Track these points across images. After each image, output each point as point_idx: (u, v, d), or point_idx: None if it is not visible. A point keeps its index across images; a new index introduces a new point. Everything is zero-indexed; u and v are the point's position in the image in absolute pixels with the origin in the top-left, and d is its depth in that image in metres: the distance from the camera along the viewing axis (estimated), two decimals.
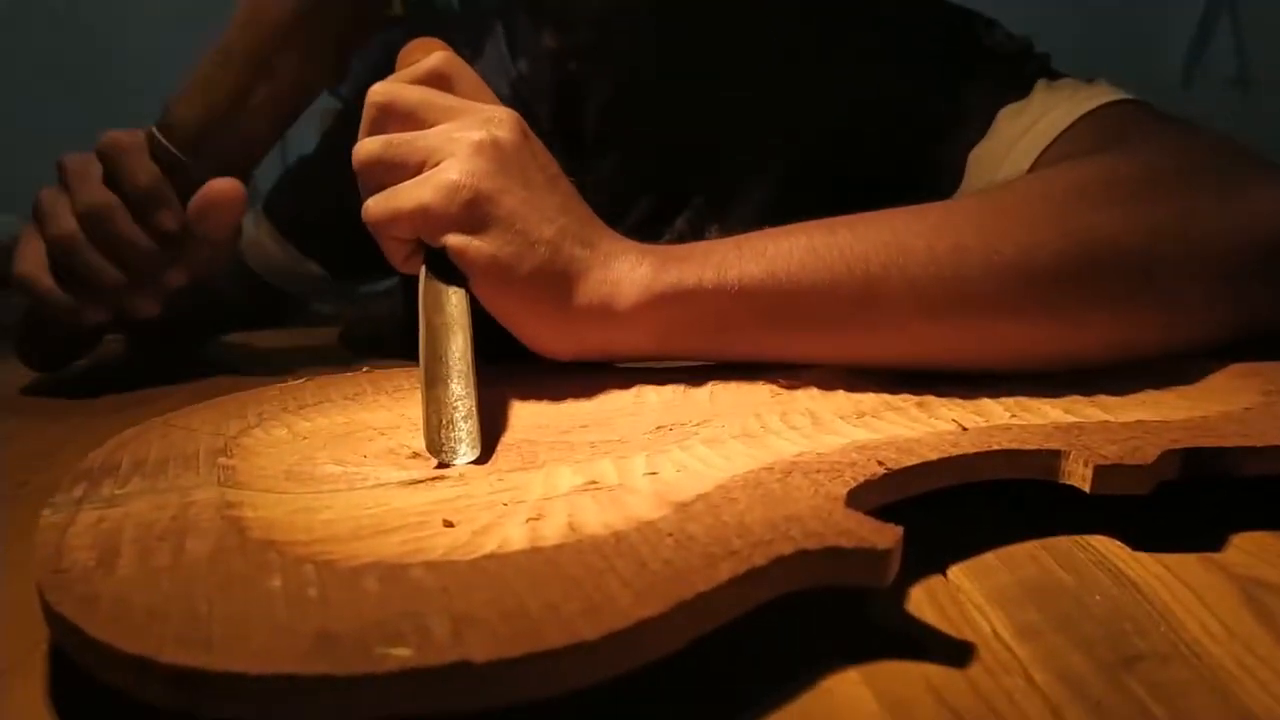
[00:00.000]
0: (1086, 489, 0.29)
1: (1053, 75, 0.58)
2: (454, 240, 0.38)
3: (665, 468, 0.29)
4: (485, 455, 0.32)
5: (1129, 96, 0.53)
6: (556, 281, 0.39)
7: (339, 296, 0.96)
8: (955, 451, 0.29)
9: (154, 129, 0.53)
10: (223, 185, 0.52)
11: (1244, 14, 2.15)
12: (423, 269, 0.39)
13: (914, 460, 0.29)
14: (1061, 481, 0.30)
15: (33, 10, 2.01)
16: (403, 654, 0.18)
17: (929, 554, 0.29)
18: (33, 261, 0.52)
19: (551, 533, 0.24)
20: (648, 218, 0.56)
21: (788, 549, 0.22)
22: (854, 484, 0.26)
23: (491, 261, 0.38)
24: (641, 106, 0.62)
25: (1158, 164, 0.43)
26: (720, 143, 0.62)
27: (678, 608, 0.20)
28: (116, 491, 0.28)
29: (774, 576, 0.22)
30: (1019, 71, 0.58)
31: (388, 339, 0.77)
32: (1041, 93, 0.55)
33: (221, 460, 0.31)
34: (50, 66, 2.03)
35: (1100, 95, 0.53)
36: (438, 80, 0.43)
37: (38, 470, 0.40)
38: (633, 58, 0.62)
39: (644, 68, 0.62)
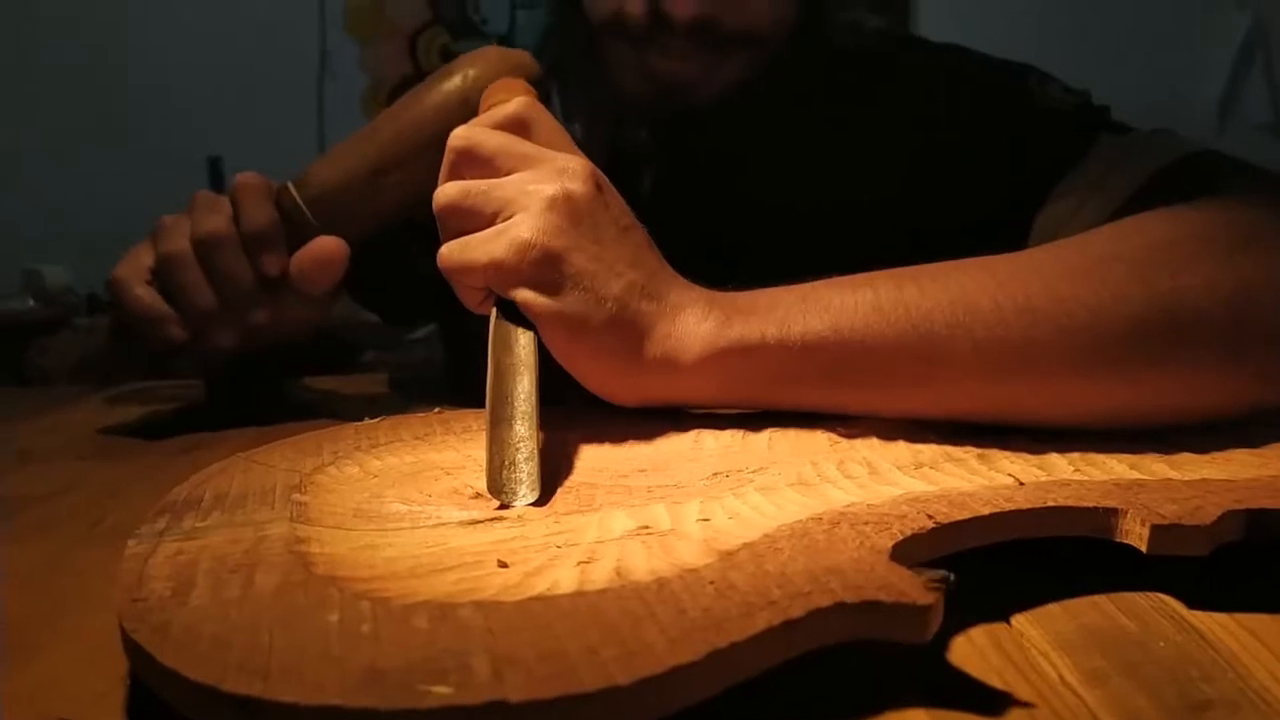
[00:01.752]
0: (1143, 549, 0.28)
1: (1116, 128, 0.56)
2: (523, 295, 0.39)
3: (718, 514, 0.30)
4: (544, 497, 0.33)
5: (1200, 149, 0.51)
6: (623, 336, 0.40)
7: (381, 345, 0.98)
8: (1009, 507, 0.29)
9: (289, 183, 0.56)
10: (329, 244, 0.54)
11: (1278, 59, 2.08)
12: (494, 311, 0.41)
13: (965, 515, 0.29)
14: (1118, 540, 0.29)
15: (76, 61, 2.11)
16: (443, 692, 0.19)
17: (991, 602, 0.29)
18: (133, 268, 0.55)
19: (599, 577, 0.25)
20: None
21: (826, 601, 0.22)
22: (900, 537, 0.27)
23: (559, 317, 0.39)
24: (691, 193, 0.63)
25: (1241, 222, 0.41)
26: (769, 227, 0.62)
27: (711, 656, 0.20)
28: (197, 525, 0.30)
29: (811, 628, 0.22)
30: (1079, 129, 0.56)
31: (429, 383, 0.79)
32: (1106, 150, 0.54)
33: (295, 496, 0.32)
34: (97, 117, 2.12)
35: (1169, 151, 0.51)
36: (517, 126, 0.44)
37: (110, 510, 0.42)
38: (682, 153, 0.63)
39: (694, 161, 0.63)
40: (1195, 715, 0.23)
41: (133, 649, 0.22)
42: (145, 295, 0.54)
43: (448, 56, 0.67)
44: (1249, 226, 0.41)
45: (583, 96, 0.66)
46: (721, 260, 0.56)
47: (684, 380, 0.41)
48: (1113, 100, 0.58)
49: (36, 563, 0.36)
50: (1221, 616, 0.28)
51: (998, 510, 0.29)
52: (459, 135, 0.43)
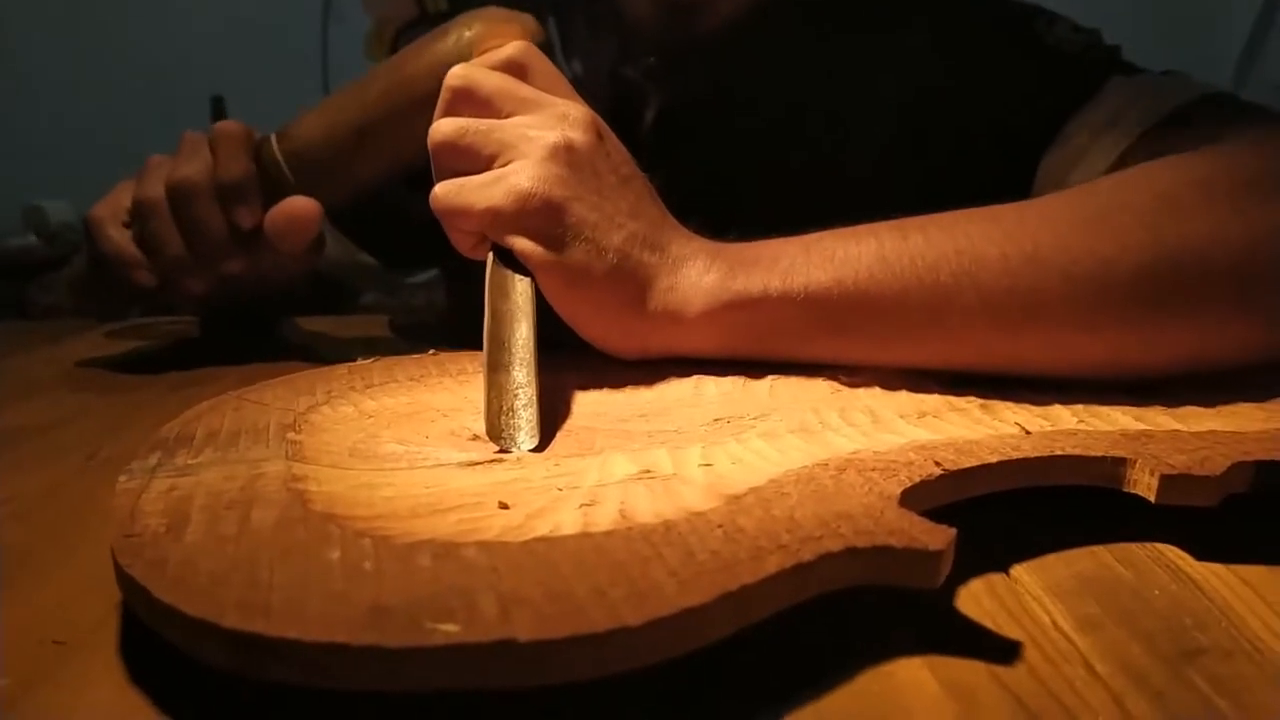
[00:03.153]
0: (1152, 498, 0.28)
1: (1126, 69, 0.55)
2: (522, 245, 0.38)
3: (720, 460, 0.30)
4: (544, 442, 0.32)
5: (1211, 91, 0.50)
6: (623, 288, 0.39)
7: (382, 288, 0.97)
8: (1016, 455, 0.29)
9: (272, 135, 0.54)
10: (301, 204, 0.53)
11: None
12: (490, 256, 0.40)
13: (972, 462, 0.28)
14: (1126, 490, 0.29)
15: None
16: (450, 629, 0.18)
17: (988, 550, 0.29)
18: (109, 209, 0.55)
19: (603, 519, 0.24)
20: (697, 231, 0.57)
21: (836, 546, 0.22)
22: (909, 484, 0.26)
23: (559, 267, 0.38)
24: (696, 127, 0.62)
25: (1250, 169, 0.40)
26: (773, 162, 0.61)
27: (722, 598, 0.20)
28: (189, 461, 0.29)
29: (821, 573, 0.22)
30: (1087, 70, 0.55)
31: (429, 328, 0.78)
32: (1114, 92, 0.53)
33: (290, 435, 0.32)
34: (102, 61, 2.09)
35: (1179, 93, 0.50)
36: (515, 69, 0.43)
37: (105, 443, 0.42)
38: (688, 83, 0.61)
39: (700, 92, 0.61)
40: (1187, 662, 0.23)
41: (128, 584, 0.21)
42: (117, 237, 0.54)
43: None
44: (1257, 173, 0.40)
45: (587, 28, 0.65)
46: (726, 198, 0.55)
47: (686, 333, 0.41)
48: (1131, 56, 0.57)
49: (34, 492, 0.36)
50: (1217, 567, 0.28)
51: (1005, 458, 0.29)
52: (456, 74, 0.42)
